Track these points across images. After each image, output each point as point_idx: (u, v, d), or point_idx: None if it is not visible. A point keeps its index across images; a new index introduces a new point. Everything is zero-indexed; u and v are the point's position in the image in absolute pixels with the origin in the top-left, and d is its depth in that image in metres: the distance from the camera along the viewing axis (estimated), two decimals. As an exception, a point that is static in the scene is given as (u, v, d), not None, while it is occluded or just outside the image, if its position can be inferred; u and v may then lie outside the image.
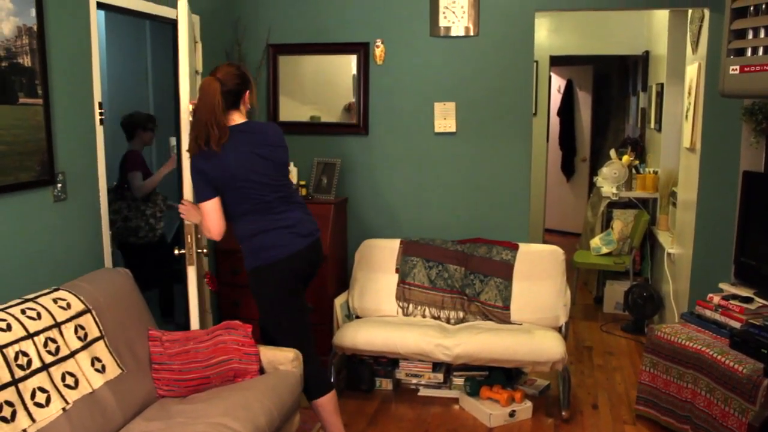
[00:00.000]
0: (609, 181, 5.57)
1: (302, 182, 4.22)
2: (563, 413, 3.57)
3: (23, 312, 2.28)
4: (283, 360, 2.88)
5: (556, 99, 8.36)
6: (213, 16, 4.06)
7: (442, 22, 4.14)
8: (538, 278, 3.90)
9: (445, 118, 4.21)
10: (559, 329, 3.80)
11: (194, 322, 2.97)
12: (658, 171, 5.46)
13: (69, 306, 2.46)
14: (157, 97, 4.96)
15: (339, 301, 4.03)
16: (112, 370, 2.52)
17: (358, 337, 3.70)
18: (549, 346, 3.51)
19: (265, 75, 4.38)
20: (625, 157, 5.76)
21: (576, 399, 3.81)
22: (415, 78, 4.21)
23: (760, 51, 2.61)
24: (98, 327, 2.54)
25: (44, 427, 2.15)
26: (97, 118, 3.02)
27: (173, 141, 3.96)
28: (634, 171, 5.72)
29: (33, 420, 2.12)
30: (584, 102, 8.35)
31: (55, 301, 2.43)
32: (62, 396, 2.26)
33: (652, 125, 5.92)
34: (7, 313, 2.24)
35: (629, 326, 5.01)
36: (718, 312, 3.33)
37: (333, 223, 4.07)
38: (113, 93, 4.83)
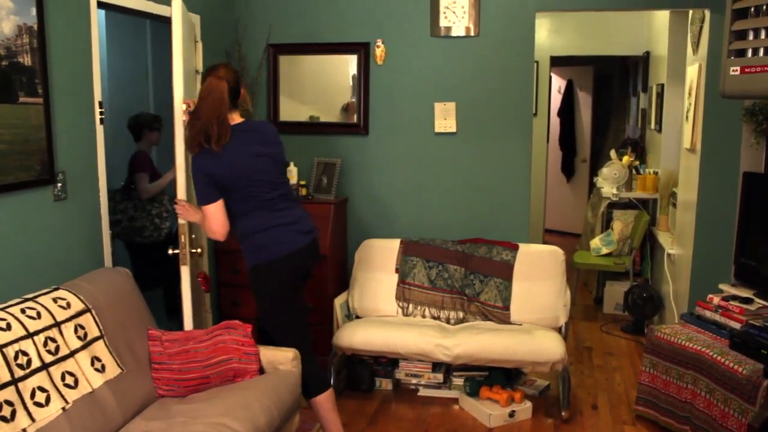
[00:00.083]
0: (609, 181, 5.57)
1: (302, 182, 4.22)
2: (563, 413, 3.57)
3: (23, 311, 2.28)
4: (282, 360, 2.88)
5: (556, 99, 8.36)
6: (213, 16, 4.06)
7: (443, 22, 4.14)
8: (538, 278, 3.90)
9: (445, 118, 4.21)
10: (558, 329, 3.80)
11: (188, 322, 2.96)
12: (659, 172, 5.46)
13: (69, 305, 2.46)
14: (158, 97, 4.95)
15: (339, 301, 4.03)
16: (112, 370, 2.51)
17: (358, 337, 3.70)
18: (549, 347, 3.51)
19: (265, 75, 4.38)
20: (626, 158, 5.76)
21: (576, 399, 3.81)
22: (416, 78, 4.21)
23: (761, 52, 2.60)
24: (98, 326, 2.54)
25: (44, 426, 2.15)
26: (98, 117, 3.02)
27: None
28: (634, 171, 5.72)
29: (33, 419, 2.12)
30: (584, 102, 8.35)
31: (54, 300, 2.43)
32: (62, 395, 2.26)
33: (653, 126, 5.92)
34: (7, 312, 2.24)
35: (629, 327, 5.01)
36: (718, 313, 3.33)
37: (333, 223, 4.07)
38: (113, 92, 4.82)
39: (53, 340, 2.32)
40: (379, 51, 4.23)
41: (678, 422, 3.29)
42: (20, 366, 2.15)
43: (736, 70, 2.68)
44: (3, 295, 2.44)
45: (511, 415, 3.53)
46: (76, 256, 2.89)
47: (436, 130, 4.22)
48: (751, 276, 3.41)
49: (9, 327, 2.18)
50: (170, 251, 3.03)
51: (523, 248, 4.00)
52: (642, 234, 5.30)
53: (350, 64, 4.31)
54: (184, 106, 2.88)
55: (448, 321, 3.95)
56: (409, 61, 4.21)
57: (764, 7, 2.61)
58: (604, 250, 5.43)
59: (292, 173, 4.19)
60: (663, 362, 3.38)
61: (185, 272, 2.95)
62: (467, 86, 4.16)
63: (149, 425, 2.45)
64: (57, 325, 2.36)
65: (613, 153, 5.89)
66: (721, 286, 3.47)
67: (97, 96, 3.01)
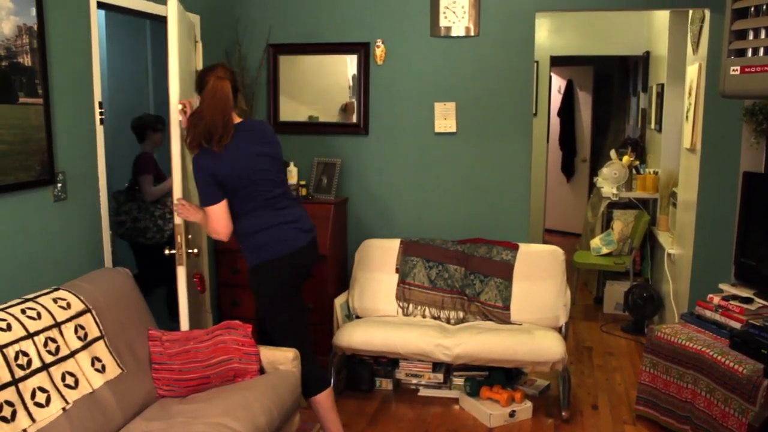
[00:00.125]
0: (609, 181, 5.57)
1: (302, 182, 4.22)
2: (563, 413, 3.57)
3: (23, 312, 2.28)
4: (283, 360, 2.88)
5: (556, 99, 8.36)
6: (213, 16, 4.06)
7: (443, 22, 4.14)
8: (538, 278, 3.90)
9: (445, 118, 4.20)
10: (559, 329, 3.80)
11: (184, 323, 2.95)
12: (659, 171, 5.46)
13: (69, 306, 2.46)
14: (158, 97, 4.96)
15: (339, 301, 4.03)
16: (112, 370, 2.51)
17: (358, 337, 3.70)
18: (549, 347, 3.51)
19: (265, 75, 4.38)
20: (626, 158, 5.76)
21: (576, 399, 3.81)
22: (416, 78, 4.21)
23: (761, 51, 2.61)
24: (98, 327, 2.54)
25: (44, 427, 2.15)
26: (98, 117, 3.02)
27: None
28: (634, 171, 5.72)
29: (33, 420, 2.12)
30: (584, 102, 8.35)
31: (55, 300, 2.43)
32: (62, 396, 2.26)
33: (653, 126, 5.92)
34: (7, 312, 2.24)
35: (629, 326, 5.01)
36: (718, 312, 3.33)
37: (333, 223, 4.07)
38: (113, 93, 4.83)
39: (53, 340, 2.32)
40: (379, 51, 4.23)
41: (678, 422, 3.29)
42: (20, 366, 2.15)
43: (736, 70, 2.68)
44: (3, 295, 2.44)
45: (512, 415, 3.53)
46: (76, 256, 2.89)
47: (436, 130, 4.22)
48: (752, 276, 3.41)
49: (9, 327, 2.18)
50: (166, 251, 3.03)
51: (523, 248, 4.00)
52: (642, 234, 5.30)
53: (349, 64, 4.31)
54: (180, 107, 2.88)
55: (448, 321, 3.95)
56: (409, 61, 4.21)
57: (764, 7, 2.61)
58: (605, 250, 5.43)
59: (292, 173, 4.19)
60: (663, 362, 3.38)
61: (181, 272, 2.95)
62: (467, 86, 4.16)
63: (149, 425, 2.45)
64: (57, 325, 2.36)
65: (613, 153, 5.89)
66: (722, 286, 3.48)
67: (97, 96, 3.02)
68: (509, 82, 4.12)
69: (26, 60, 2.55)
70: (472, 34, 4.11)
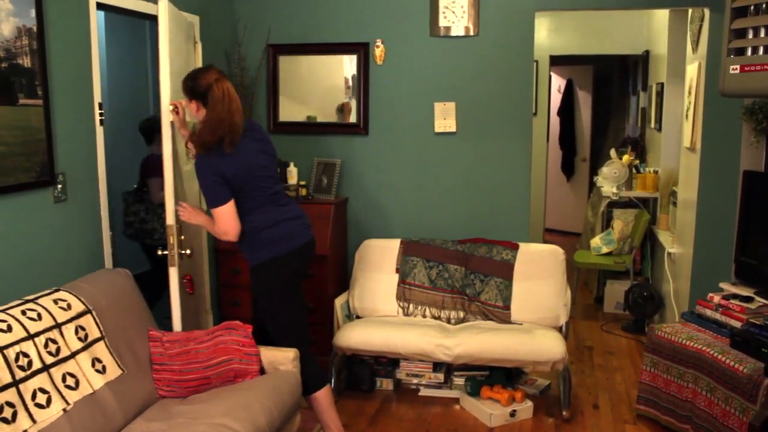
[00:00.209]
0: (609, 180, 5.57)
1: (302, 182, 4.22)
2: (564, 413, 3.57)
3: (24, 313, 2.28)
4: (283, 360, 2.88)
5: (556, 99, 8.36)
6: (213, 16, 4.06)
7: (442, 22, 4.14)
8: (539, 278, 3.90)
9: (445, 118, 4.20)
10: (559, 329, 3.80)
11: (176, 324, 2.94)
12: (659, 170, 5.46)
13: (69, 307, 2.46)
14: (158, 98, 4.94)
15: (339, 302, 4.03)
16: (113, 371, 2.52)
17: (358, 337, 3.70)
18: (549, 346, 3.51)
19: (265, 75, 4.38)
20: (626, 157, 5.76)
21: (577, 399, 3.81)
22: (415, 78, 4.21)
23: (761, 50, 2.61)
24: (99, 328, 2.54)
25: (45, 427, 2.15)
26: (97, 118, 3.02)
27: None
28: (634, 170, 5.72)
29: (34, 421, 2.12)
30: (584, 102, 8.35)
31: (55, 301, 2.43)
32: (63, 397, 2.26)
33: (653, 125, 5.92)
34: (8, 314, 2.24)
35: (630, 326, 5.01)
36: (718, 311, 3.33)
37: (333, 223, 4.07)
38: (113, 93, 4.83)
39: (54, 341, 2.32)
40: (379, 51, 4.23)
41: (679, 421, 3.29)
42: (21, 367, 2.15)
43: (736, 69, 2.68)
44: (3, 296, 2.44)
45: (512, 414, 3.53)
46: (76, 257, 2.89)
47: (436, 130, 4.22)
48: (752, 274, 3.41)
49: (10, 329, 2.18)
50: (159, 252, 3.02)
51: (524, 248, 4.00)
52: (642, 233, 5.29)
53: (346, 64, 4.31)
54: (171, 107, 2.89)
55: (448, 321, 3.95)
56: (409, 61, 4.21)
57: (764, 6, 2.61)
58: (605, 249, 5.43)
59: (292, 173, 4.20)
60: (664, 361, 3.38)
61: (173, 273, 2.94)
62: (467, 86, 4.16)
63: (150, 426, 2.45)
64: (58, 326, 2.36)
65: (613, 152, 5.89)
66: (722, 285, 3.47)
67: (97, 97, 3.02)
68: (509, 81, 4.12)
69: (26, 61, 2.55)
70: (472, 33, 4.11)
